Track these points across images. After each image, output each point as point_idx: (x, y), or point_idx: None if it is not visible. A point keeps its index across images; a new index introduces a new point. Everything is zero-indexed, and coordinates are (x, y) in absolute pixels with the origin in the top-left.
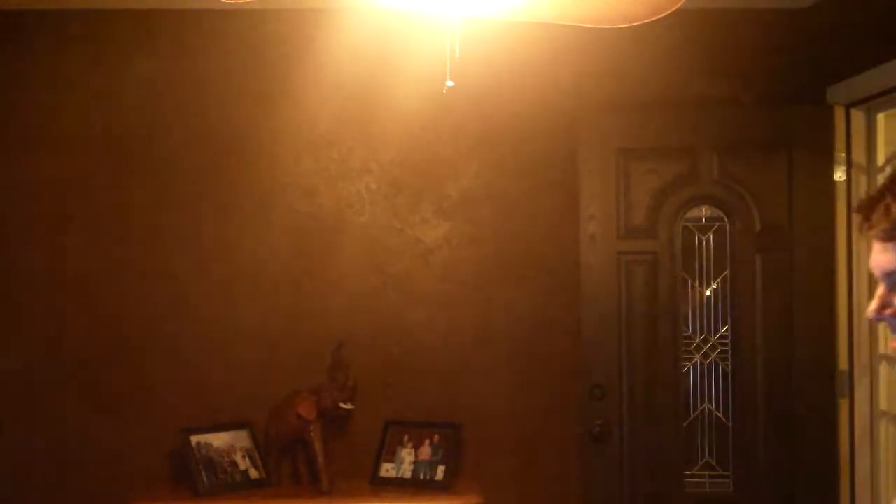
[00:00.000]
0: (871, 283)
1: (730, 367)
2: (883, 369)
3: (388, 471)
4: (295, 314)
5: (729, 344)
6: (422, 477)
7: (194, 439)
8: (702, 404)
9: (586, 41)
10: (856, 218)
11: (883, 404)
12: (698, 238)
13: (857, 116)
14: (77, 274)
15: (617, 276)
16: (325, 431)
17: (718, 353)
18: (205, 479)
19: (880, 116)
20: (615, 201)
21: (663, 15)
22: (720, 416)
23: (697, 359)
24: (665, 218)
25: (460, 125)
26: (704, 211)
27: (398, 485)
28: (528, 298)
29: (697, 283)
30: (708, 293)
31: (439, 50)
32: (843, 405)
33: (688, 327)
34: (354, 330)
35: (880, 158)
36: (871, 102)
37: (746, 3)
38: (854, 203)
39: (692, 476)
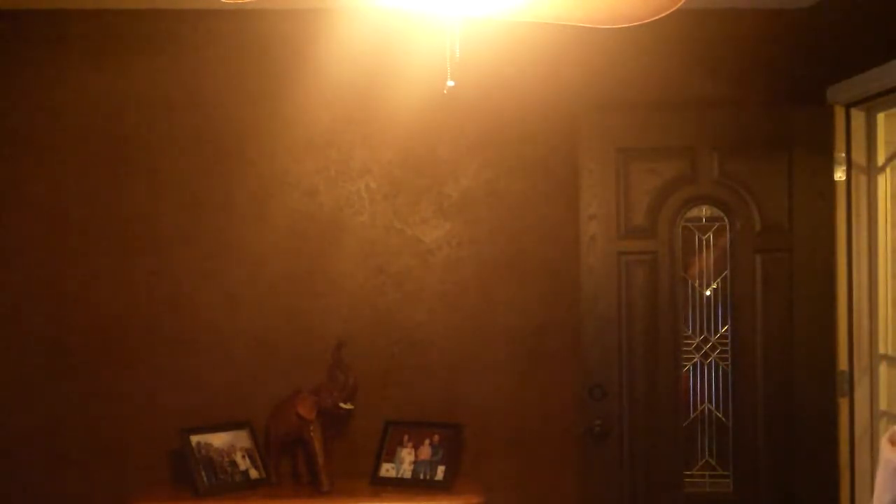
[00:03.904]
0: (871, 283)
1: (730, 367)
2: (883, 369)
3: (388, 471)
4: (295, 314)
5: (729, 344)
6: (422, 477)
7: (194, 439)
8: (702, 404)
9: (586, 41)
10: None
11: (883, 404)
12: (698, 238)
13: (857, 116)
14: (77, 274)
15: (617, 276)
16: (325, 431)
17: (718, 353)
18: (205, 479)
19: (880, 116)
20: (615, 201)
21: (663, 15)
22: (720, 416)
23: (697, 359)
24: (665, 218)
25: (460, 125)
26: (704, 211)
27: (398, 485)
28: (528, 298)
29: (697, 283)
30: (708, 293)
31: (439, 50)
32: (843, 405)
33: (688, 327)
34: (354, 330)
35: (880, 158)
36: (871, 102)
37: (746, 3)
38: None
39: (692, 476)
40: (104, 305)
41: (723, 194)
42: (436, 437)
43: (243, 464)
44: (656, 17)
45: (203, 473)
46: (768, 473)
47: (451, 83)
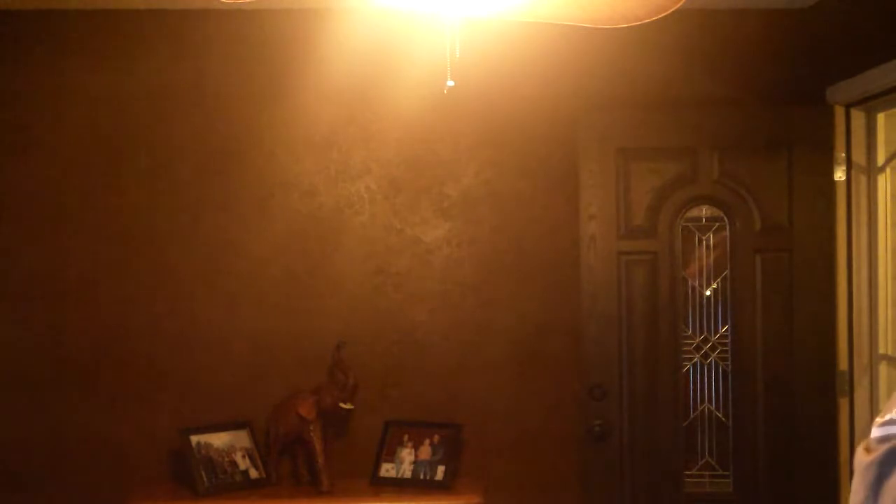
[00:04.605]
0: (872, 283)
1: (730, 367)
2: (883, 369)
3: (388, 471)
4: (295, 314)
5: (729, 344)
6: (422, 477)
7: (194, 439)
8: (702, 404)
9: (586, 41)
10: None
11: (883, 404)
12: (698, 238)
13: (857, 116)
14: (77, 274)
15: (617, 276)
16: (325, 431)
17: (718, 353)
18: (205, 479)
19: (880, 116)
20: (615, 201)
21: (663, 15)
22: (720, 416)
23: (697, 359)
24: (665, 218)
25: (460, 125)
26: (704, 211)
27: (398, 485)
28: (528, 298)
29: (697, 283)
30: (708, 293)
31: (439, 50)
32: (843, 405)
33: (688, 327)
34: (354, 330)
35: (880, 158)
36: (871, 102)
37: (746, 3)
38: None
39: (692, 476)
40: (104, 305)
41: (723, 194)
42: (436, 437)
43: (243, 464)
44: (656, 17)
45: (203, 473)
46: (768, 473)
47: (450, 83)
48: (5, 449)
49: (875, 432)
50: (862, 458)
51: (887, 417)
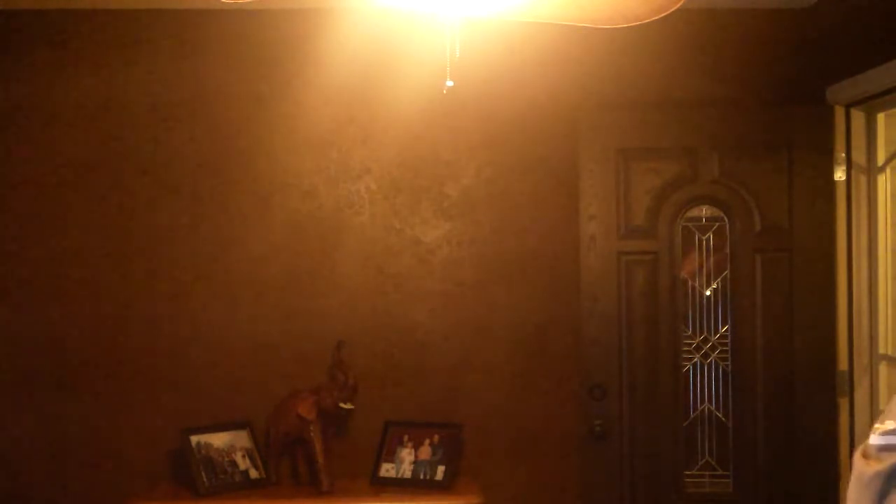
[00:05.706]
0: (872, 283)
1: (730, 367)
2: (883, 369)
3: (388, 471)
4: (295, 314)
5: (729, 344)
6: (422, 477)
7: (194, 439)
8: (702, 404)
9: (586, 41)
10: None
11: (883, 404)
12: (698, 238)
13: (857, 116)
14: (77, 274)
15: (617, 276)
16: (325, 431)
17: (718, 353)
18: (205, 479)
19: (880, 116)
20: (615, 201)
21: (663, 15)
22: (720, 416)
23: (697, 359)
24: (665, 218)
25: (460, 125)
26: (704, 211)
27: (398, 485)
28: (528, 298)
29: (697, 283)
30: (708, 293)
31: (439, 50)
32: (843, 405)
33: (688, 327)
34: (354, 330)
35: (880, 158)
36: (871, 102)
37: (746, 3)
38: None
39: (692, 476)
40: (104, 306)
41: (723, 194)
42: (436, 437)
43: (243, 464)
44: (656, 17)
45: (203, 473)
46: (768, 473)
47: (450, 83)
48: (5, 449)
49: (876, 440)
50: (863, 468)
51: (890, 426)
